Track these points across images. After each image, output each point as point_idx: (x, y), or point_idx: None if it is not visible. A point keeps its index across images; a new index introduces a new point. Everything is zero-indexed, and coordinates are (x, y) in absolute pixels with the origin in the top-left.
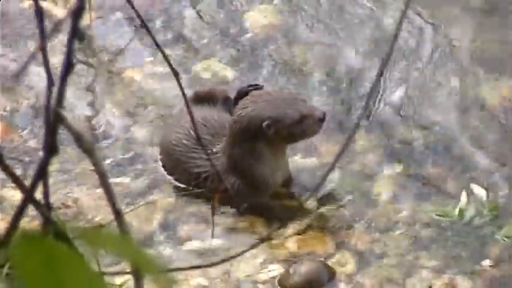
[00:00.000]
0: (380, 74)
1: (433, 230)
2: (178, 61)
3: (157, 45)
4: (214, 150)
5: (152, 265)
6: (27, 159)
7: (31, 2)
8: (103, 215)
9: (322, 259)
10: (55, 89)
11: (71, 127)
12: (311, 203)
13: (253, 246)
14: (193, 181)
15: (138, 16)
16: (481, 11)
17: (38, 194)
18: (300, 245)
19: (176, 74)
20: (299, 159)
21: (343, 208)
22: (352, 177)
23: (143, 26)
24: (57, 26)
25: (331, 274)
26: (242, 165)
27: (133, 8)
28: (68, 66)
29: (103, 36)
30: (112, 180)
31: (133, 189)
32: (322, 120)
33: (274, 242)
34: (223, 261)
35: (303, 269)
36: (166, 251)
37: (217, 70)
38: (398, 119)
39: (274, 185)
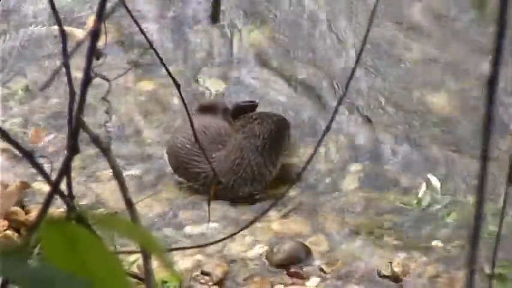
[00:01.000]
0: (350, 77)
1: (395, 215)
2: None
3: (162, 62)
4: (213, 156)
5: (157, 246)
6: (54, 157)
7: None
8: (117, 204)
9: (300, 239)
10: (76, 98)
11: (89, 130)
12: (292, 192)
13: (242, 229)
14: (193, 179)
15: (147, 39)
16: None
17: (63, 186)
18: (283, 228)
19: (178, 86)
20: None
21: (319, 197)
22: (325, 173)
23: (151, 47)
24: (78, 46)
25: (308, 252)
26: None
27: (143, 33)
28: (87, 80)
29: (116, 53)
30: (125, 173)
31: (143, 182)
32: None
33: (260, 225)
34: (217, 241)
35: (285, 247)
36: (169, 233)
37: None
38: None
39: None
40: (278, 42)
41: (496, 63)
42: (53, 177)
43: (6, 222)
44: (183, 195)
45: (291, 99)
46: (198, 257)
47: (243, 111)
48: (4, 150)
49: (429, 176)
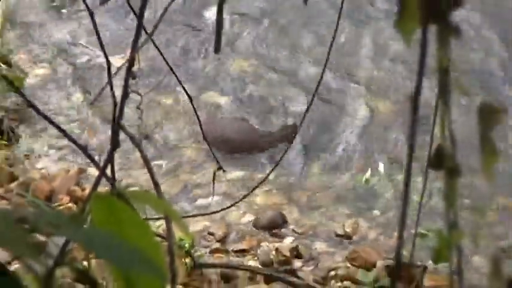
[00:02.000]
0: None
1: (348, 191)
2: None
3: (179, 82)
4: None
5: (175, 214)
6: (102, 150)
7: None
8: (147, 184)
9: (278, 210)
10: (118, 108)
11: (126, 131)
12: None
13: (236, 202)
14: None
15: (168, 65)
16: None
17: (108, 171)
18: (265, 201)
19: (191, 99)
20: None
21: (292, 178)
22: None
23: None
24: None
25: (284, 219)
26: None
27: (165, 60)
28: (125, 94)
29: (146, 75)
30: (152, 163)
31: (166, 169)
32: None
33: (249, 200)
34: (218, 211)
35: (267, 215)
36: (185, 205)
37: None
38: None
39: None
40: None
41: (419, 79)
42: (101, 164)
43: (68, 198)
44: (194, 177)
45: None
46: (206, 222)
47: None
48: (67, 146)
49: (376, 161)
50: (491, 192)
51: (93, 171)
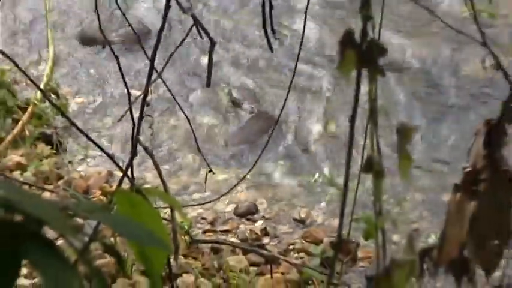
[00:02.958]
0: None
1: (301, 189)
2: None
3: (181, 108)
4: None
5: (177, 204)
6: (125, 158)
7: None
8: (157, 182)
9: (252, 202)
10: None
11: (142, 144)
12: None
13: (221, 196)
14: None
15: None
16: None
17: (129, 173)
18: (244, 197)
19: (189, 120)
20: None
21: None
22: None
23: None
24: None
25: (256, 208)
26: None
27: (170, 92)
28: (141, 117)
29: (157, 103)
30: (162, 167)
31: (171, 171)
32: None
33: (232, 195)
34: (209, 202)
35: (244, 206)
36: (185, 198)
37: None
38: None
39: None
40: None
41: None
42: (124, 168)
43: (99, 192)
44: (192, 178)
45: None
46: (200, 210)
47: None
48: (99, 155)
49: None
50: (406, 189)
51: (118, 173)
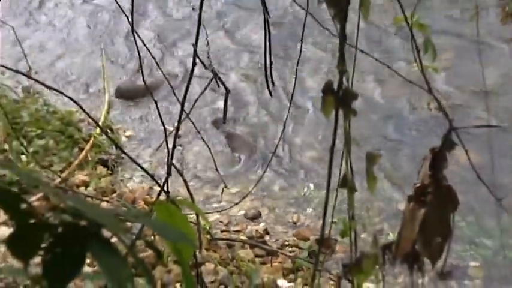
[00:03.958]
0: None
1: (294, 199)
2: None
3: (203, 139)
4: None
5: (201, 211)
6: (162, 176)
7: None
8: (186, 195)
9: (257, 209)
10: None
11: (176, 166)
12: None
13: (234, 205)
14: None
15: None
16: None
17: (165, 188)
18: (251, 205)
19: (209, 148)
20: None
21: (264, 192)
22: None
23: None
24: (170, 133)
25: (260, 213)
26: None
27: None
28: (174, 146)
29: (185, 134)
30: (189, 183)
31: (196, 187)
32: None
33: (241, 204)
34: (226, 209)
35: (251, 211)
36: (207, 207)
37: None
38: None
39: None
40: None
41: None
42: (162, 184)
43: (143, 203)
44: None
45: None
46: (217, 216)
47: None
48: (143, 175)
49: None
50: (373, 200)
51: (157, 188)
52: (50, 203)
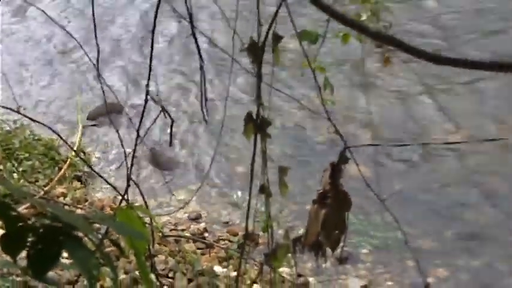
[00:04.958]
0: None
1: (227, 204)
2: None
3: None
4: None
5: (153, 215)
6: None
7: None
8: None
9: (199, 212)
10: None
11: (133, 180)
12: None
13: (179, 208)
14: None
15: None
16: None
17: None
18: (194, 209)
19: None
20: None
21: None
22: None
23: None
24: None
25: (200, 215)
26: None
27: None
28: (131, 166)
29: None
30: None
31: (149, 195)
32: None
33: (185, 208)
34: (172, 212)
35: (192, 214)
36: (157, 211)
37: None
38: None
39: None
40: None
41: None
42: (123, 194)
43: (109, 208)
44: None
45: None
46: (167, 217)
47: None
48: (110, 188)
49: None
50: (286, 202)
51: (120, 198)
52: (35, 211)
